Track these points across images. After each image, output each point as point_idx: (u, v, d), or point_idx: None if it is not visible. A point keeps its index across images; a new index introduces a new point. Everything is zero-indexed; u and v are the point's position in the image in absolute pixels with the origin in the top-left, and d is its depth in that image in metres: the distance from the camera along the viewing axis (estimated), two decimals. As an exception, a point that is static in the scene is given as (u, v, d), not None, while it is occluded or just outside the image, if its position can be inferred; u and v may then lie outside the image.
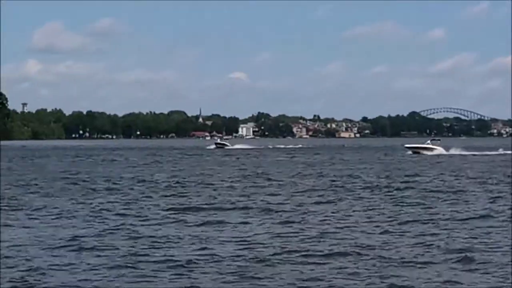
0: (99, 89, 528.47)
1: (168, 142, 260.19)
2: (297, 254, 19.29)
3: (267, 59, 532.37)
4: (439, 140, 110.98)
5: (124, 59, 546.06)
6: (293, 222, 26.12)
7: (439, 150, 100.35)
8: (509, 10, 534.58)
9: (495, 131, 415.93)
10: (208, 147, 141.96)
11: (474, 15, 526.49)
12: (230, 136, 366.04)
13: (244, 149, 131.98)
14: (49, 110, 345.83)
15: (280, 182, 46.67)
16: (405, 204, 32.01)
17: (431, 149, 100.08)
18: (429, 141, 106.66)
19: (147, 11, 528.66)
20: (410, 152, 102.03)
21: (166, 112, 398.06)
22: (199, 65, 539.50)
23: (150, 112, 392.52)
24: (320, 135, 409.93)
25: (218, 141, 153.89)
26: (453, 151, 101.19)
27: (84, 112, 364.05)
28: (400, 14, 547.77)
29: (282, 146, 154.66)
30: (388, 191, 39.18)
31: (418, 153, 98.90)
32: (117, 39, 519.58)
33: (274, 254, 19.27)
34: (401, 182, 45.70)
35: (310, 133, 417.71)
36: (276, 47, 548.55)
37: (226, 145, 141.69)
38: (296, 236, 22.49)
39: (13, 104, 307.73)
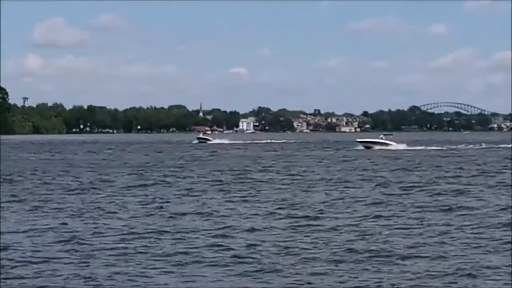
0: (100, 83, 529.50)
1: (168, 136, 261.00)
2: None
3: (268, 53, 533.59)
4: (391, 134, 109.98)
5: (124, 54, 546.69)
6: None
7: (392, 145, 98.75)
8: (509, 5, 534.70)
9: (495, 125, 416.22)
10: (192, 142, 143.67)
11: (475, 9, 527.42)
12: (230, 131, 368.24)
13: (225, 144, 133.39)
14: (49, 104, 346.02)
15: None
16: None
17: (383, 144, 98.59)
18: (382, 136, 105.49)
19: (147, 5, 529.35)
20: (361, 147, 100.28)
21: (166, 106, 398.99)
22: (199, 60, 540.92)
23: (151, 106, 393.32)
24: (320, 129, 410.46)
25: (201, 135, 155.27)
26: (406, 146, 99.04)
27: (85, 107, 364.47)
28: (402, 9, 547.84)
29: (265, 141, 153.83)
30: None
31: (370, 148, 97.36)
32: (117, 33, 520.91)
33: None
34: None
35: (311, 127, 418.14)
36: (276, 41, 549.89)
37: (209, 140, 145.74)
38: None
39: (14, 99, 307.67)
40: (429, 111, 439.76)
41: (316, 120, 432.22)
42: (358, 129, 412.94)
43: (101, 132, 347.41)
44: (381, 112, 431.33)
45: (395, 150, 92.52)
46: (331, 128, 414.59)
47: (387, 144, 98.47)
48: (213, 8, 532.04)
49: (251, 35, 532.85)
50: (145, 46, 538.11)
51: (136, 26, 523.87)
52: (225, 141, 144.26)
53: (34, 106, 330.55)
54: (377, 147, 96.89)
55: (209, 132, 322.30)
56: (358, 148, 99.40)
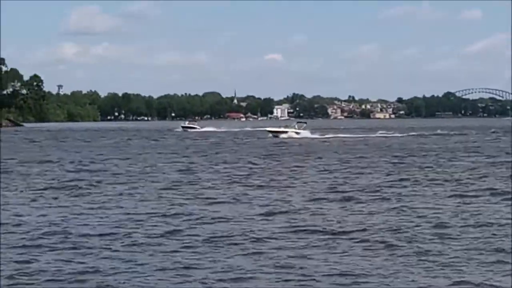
0: (134, 71, 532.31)
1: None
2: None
3: (302, 40, 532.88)
4: (305, 123, 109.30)
5: (159, 41, 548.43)
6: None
7: (300, 133, 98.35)
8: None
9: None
10: (175, 129, 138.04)
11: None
12: (264, 117, 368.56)
13: (208, 132, 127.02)
14: (84, 92, 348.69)
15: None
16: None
17: (289, 133, 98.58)
18: (295, 124, 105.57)
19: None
20: (271, 135, 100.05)
21: (201, 93, 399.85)
22: (233, 47, 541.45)
23: (185, 94, 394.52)
24: (355, 116, 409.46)
25: (186, 123, 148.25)
26: (315, 134, 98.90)
27: (120, 94, 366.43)
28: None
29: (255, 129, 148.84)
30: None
31: (277, 136, 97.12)
32: (152, 20, 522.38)
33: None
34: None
35: (345, 114, 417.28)
36: (310, 28, 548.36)
37: (194, 128, 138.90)
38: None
39: (49, 87, 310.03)
40: (464, 97, 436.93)
41: (351, 107, 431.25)
42: (392, 116, 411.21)
43: (136, 120, 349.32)
44: (416, 98, 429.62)
45: (300, 139, 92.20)
46: (366, 114, 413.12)
47: (296, 133, 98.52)
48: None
49: (285, 22, 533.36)
50: (180, 32, 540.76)
51: (170, 13, 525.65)
52: (212, 129, 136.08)
53: (69, 93, 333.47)
54: (282, 136, 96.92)
55: (240, 118, 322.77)
56: (269, 136, 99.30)
